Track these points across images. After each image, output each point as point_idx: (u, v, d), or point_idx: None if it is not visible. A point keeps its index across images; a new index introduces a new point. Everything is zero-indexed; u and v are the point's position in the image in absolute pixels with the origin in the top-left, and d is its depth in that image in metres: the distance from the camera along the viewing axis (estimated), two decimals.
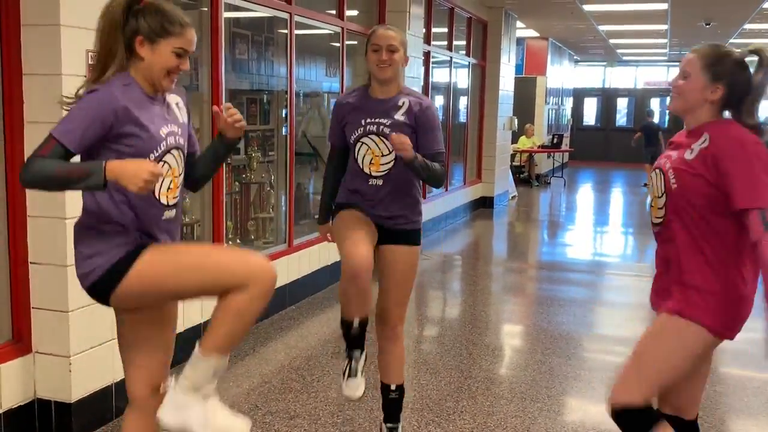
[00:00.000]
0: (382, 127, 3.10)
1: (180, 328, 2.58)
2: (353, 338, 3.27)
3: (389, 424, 3.37)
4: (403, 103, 3.13)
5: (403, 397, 3.40)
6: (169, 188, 2.29)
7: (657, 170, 2.41)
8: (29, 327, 3.43)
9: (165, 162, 2.26)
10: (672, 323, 2.31)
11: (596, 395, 4.20)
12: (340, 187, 3.30)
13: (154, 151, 2.22)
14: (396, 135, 2.98)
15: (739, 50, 2.33)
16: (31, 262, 3.40)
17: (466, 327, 5.52)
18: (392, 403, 3.38)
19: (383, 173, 3.14)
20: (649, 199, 2.46)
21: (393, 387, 3.34)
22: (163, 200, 2.28)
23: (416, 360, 4.78)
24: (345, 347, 3.27)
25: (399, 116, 3.11)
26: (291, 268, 5.77)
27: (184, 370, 2.23)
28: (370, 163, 3.13)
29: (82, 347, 3.43)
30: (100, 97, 2.16)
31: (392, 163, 3.12)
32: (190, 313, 4.18)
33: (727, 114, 2.34)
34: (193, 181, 2.52)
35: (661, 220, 2.37)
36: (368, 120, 3.13)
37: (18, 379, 3.37)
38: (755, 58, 2.29)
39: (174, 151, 2.30)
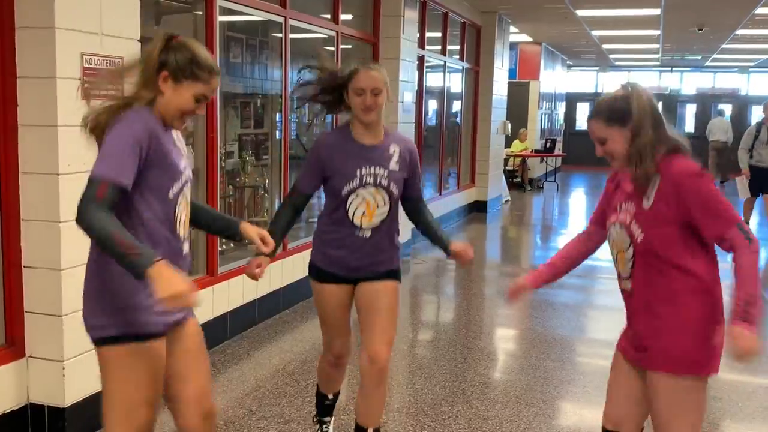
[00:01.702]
0: (380, 178, 2.99)
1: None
2: (326, 408, 3.45)
3: None
4: (395, 151, 3.03)
5: None
6: (183, 221, 2.30)
7: (616, 225, 2.38)
8: (22, 331, 3.40)
9: (183, 195, 2.27)
10: (679, 386, 2.29)
11: (591, 399, 4.20)
12: (316, 241, 3.14)
13: (176, 183, 2.20)
14: (465, 251, 3.22)
15: (615, 90, 2.36)
16: (24, 266, 3.38)
17: (461, 331, 5.51)
18: None
19: (374, 226, 3.02)
20: (611, 253, 2.46)
21: (370, 431, 3.18)
22: (180, 233, 2.28)
23: (411, 364, 4.77)
24: (316, 413, 3.50)
25: (393, 165, 3.02)
26: (285, 272, 5.75)
27: None
28: (363, 215, 3.00)
29: (76, 351, 3.41)
30: (132, 119, 2.09)
31: (386, 215, 3.03)
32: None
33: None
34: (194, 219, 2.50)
35: (630, 272, 2.35)
36: (363, 170, 2.97)
37: (11, 383, 3.35)
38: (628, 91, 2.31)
39: (188, 184, 2.30)
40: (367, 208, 2.99)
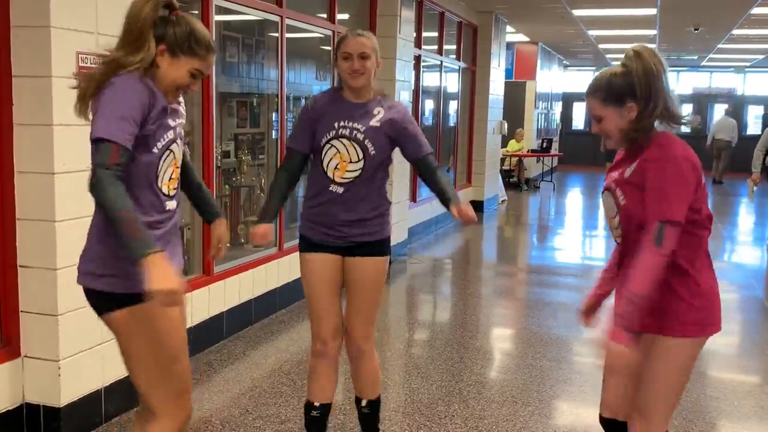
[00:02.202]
0: (355, 132, 2.99)
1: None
2: (312, 421, 3.22)
3: None
4: (379, 111, 3.04)
5: (378, 411, 3.37)
6: (170, 178, 2.29)
7: (606, 191, 2.40)
8: (18, 331, 3.39)
9: (171, 151, 2.26)
10: (676, 347, 2.30)
11: (587, 399, 4.20)
12: (303, 211, 3.14)
13: (164, 138, 2.20)
14: (465, 210, 3.03)
15: (617, 63, 2.32)
16: (20, 266, 3.37)
17: (457, 331, 5.51)
18: (365, 418, 3.34)
19: (347, 181, 3.00)
20: (605, 223, 2.47)
21: (364, 402, 3.29)
22: (164, 189, 2.27)
23: (407, 364, 4.77)
24: (304, 426, 3.29)
25: (374, 122, 3.01)
26: (282, 271, 5.75)
27: None
28: (336, 167, 3.00)
29: (71, 351, 3.40)
30: (127, 85, 2.09)
31: (359, 173, 3.01)
32: None
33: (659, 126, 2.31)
34: (184, 183, 2.52)
35: (621, 238, 2.36)
36: (341, 123, 3.00)
37: (6, 383, 3.34)
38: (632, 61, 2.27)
39: (179, 141, 2.29)
40: (340, 160, 3.00)
